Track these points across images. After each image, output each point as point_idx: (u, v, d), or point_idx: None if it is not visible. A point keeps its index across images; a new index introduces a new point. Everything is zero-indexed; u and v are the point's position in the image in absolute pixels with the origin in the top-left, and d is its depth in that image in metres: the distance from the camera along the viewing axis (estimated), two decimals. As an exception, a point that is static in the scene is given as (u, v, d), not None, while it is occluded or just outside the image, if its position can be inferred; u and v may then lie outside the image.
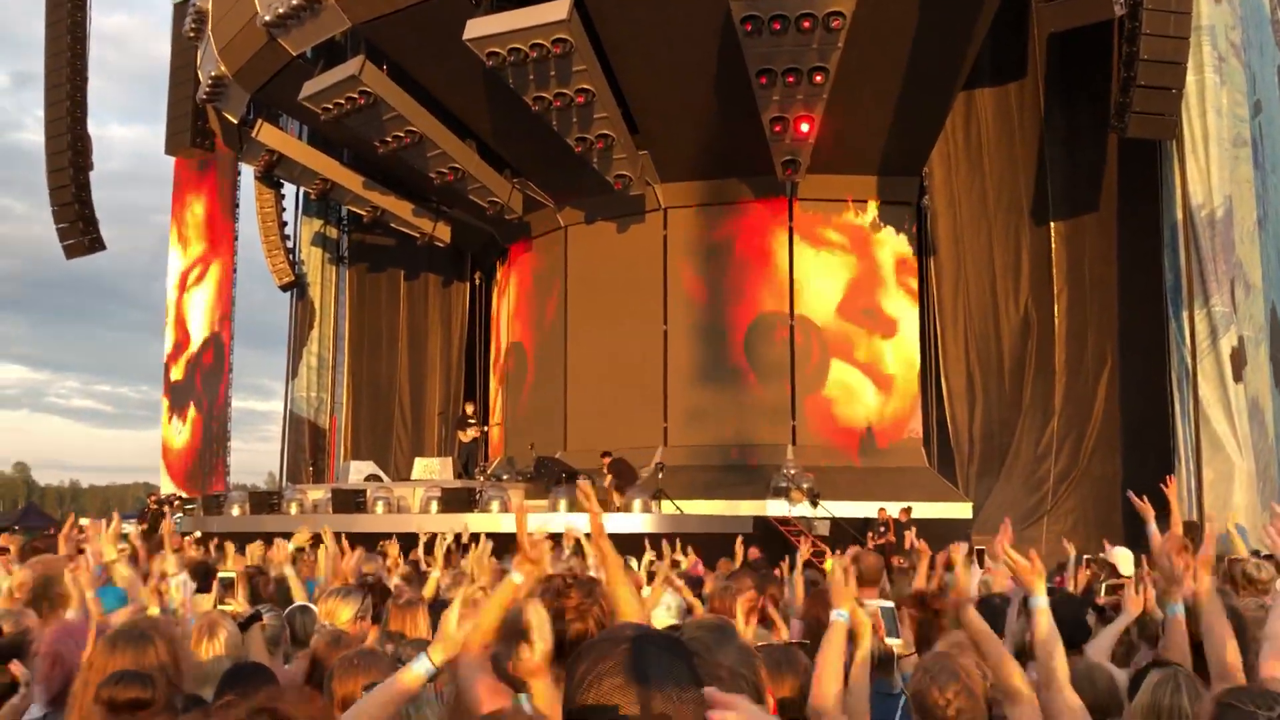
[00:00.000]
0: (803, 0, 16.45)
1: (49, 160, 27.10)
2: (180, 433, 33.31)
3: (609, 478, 19.02)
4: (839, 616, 3.37)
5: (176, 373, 33.77)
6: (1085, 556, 10.12)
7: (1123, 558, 9.19)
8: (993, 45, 20.80)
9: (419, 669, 2.66)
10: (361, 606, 4.60)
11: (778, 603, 6.00)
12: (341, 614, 4.51)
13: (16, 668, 3.26)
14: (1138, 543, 9.01)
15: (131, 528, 17.55)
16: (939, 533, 12.80)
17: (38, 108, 27.45)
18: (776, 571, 8.26)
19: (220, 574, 4.94)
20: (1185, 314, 18.37)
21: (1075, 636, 4.08)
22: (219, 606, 4.63)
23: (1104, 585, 6.80)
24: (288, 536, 9.04)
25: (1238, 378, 18.09)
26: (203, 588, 5.68)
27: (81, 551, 5.28)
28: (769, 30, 16.51)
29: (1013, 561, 3.40)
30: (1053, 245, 21.35)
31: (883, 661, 3.83)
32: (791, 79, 17.30)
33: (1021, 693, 3.17)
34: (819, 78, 17.32)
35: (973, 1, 18.46)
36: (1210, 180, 18.31)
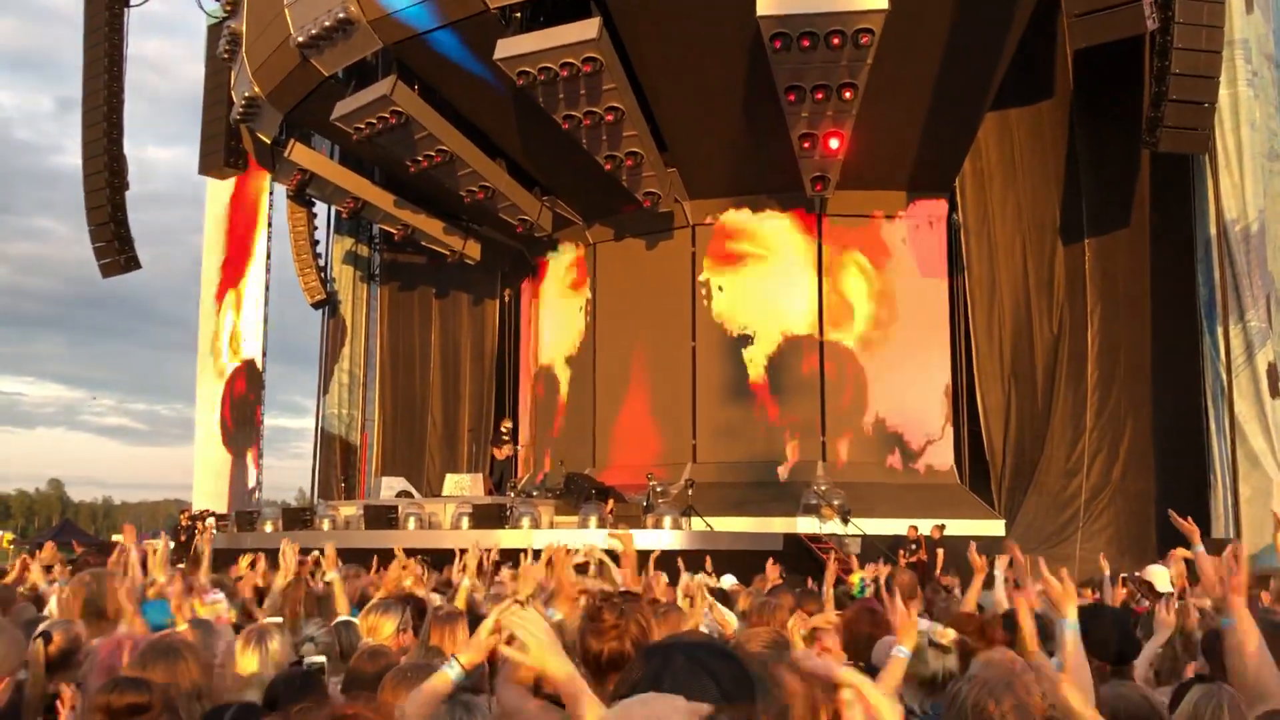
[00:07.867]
0: (832, 17, 16.41)
1: (86, 181, 27.51)
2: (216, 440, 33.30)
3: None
4: (901, 653, 3.41)
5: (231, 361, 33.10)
6: (1122, 575, 10.03)
7: (1159, 575, 9.10)
8: (1024, 61, 20.75)
9: (449, 672, 2.85)
10: (402, 620, 4.67)
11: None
12: (383, 628, 4.58)
13: (68, 694, 3.24)
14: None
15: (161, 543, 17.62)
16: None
17: (79, 131, 27.83)
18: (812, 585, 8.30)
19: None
20: (1220, 329, 18.21)
21: (1126, 652, 4.00)
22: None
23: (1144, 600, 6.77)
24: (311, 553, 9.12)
25: (1274, 393, 17.90)
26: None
27: (127, 569, 5.34)
28: (798, 47, 16.49)
29: (1047, 583, 3.41)
30: (1086, 261, 21.23)
31: (933, 681, 3.81)
32: (820, 95, 17.25)
33: (1083, 715, 3.14)
34: (848, 94, 17.26)
35: (1002, 17, 18.43)
36: (1244, 194, 18.17)
